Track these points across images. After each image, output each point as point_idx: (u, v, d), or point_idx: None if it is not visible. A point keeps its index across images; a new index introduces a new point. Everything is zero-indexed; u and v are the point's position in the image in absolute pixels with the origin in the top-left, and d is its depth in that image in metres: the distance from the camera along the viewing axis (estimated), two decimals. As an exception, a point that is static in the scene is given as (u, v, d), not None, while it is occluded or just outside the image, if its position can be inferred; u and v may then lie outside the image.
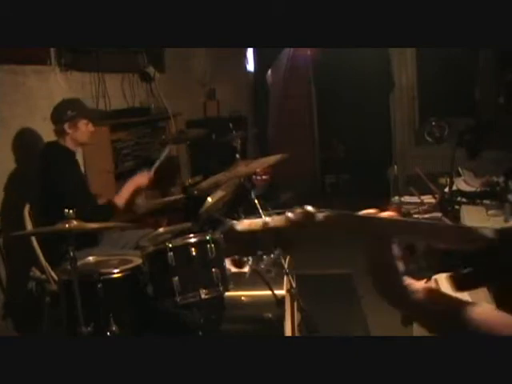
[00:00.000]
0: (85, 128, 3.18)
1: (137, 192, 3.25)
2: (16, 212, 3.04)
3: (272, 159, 3.14)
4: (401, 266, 0.94)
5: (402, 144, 6.50)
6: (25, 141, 3.44)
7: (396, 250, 0.94)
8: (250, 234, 0.99)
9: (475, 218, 2.73)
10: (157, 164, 3.50)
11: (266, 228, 0.97)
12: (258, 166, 3.10)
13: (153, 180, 3.38)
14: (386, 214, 0.96)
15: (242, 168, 3.00)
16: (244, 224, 0.99)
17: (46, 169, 3.11)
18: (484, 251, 0.96)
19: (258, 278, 2.69)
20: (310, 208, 0.93)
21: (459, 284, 0.96)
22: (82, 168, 3.69)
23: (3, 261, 3.22)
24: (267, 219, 0.98)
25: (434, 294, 0.94)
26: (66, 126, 3.13)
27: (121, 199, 3.14)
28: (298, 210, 0.93)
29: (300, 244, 3.70)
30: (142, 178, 3.28)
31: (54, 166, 3.08)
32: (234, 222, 1.03)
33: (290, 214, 0.94)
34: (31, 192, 3.15)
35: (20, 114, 3.43)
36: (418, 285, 0.94)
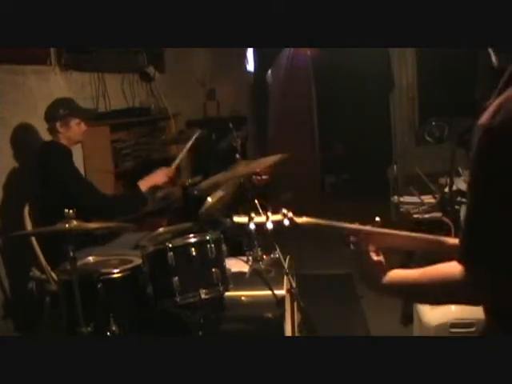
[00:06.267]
0: (76, 127, 3.21)
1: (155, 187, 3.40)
2: (16, 212, 3.04)
3: (272, 159, 3.14)
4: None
5: (402, 144, 6.49)
6: (25, 141, 3.44)
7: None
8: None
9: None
10: (177, 160, 3.59)
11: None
12: (258, 166, 3.09)
13: (173, 177, 3.49)
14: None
15: (241, 168, 3.00)
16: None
17: (45, 167, 3.10)
18: None
19: (257, 278, 2.69)
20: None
21: None
22: (82, 168, 3.70)
23: (3, 261, 3.22)
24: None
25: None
26: (57, 124, 3.15)
27: (144, 186, 3.25)
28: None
29: (300, 244, 3.69)
30: (162, 176, 3.38)
31: (54, 164, 3.09)
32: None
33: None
34: (31, 192, 3.15)
35: (20, 114, 3.43)
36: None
